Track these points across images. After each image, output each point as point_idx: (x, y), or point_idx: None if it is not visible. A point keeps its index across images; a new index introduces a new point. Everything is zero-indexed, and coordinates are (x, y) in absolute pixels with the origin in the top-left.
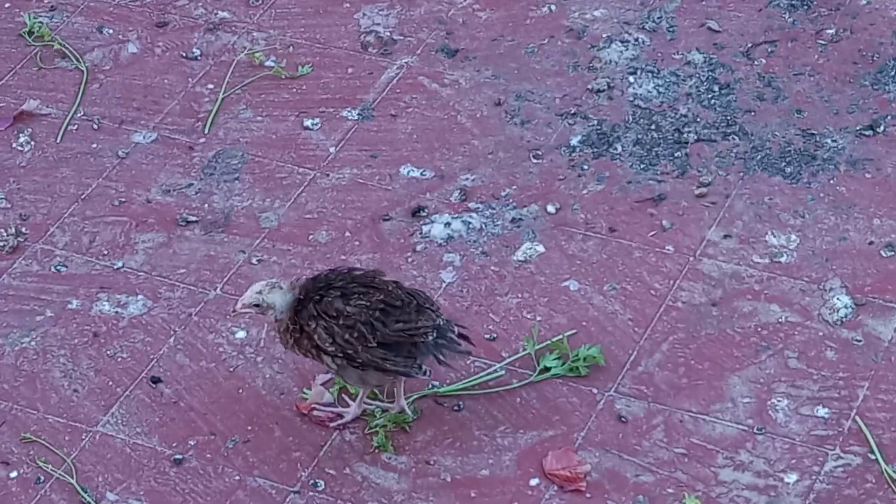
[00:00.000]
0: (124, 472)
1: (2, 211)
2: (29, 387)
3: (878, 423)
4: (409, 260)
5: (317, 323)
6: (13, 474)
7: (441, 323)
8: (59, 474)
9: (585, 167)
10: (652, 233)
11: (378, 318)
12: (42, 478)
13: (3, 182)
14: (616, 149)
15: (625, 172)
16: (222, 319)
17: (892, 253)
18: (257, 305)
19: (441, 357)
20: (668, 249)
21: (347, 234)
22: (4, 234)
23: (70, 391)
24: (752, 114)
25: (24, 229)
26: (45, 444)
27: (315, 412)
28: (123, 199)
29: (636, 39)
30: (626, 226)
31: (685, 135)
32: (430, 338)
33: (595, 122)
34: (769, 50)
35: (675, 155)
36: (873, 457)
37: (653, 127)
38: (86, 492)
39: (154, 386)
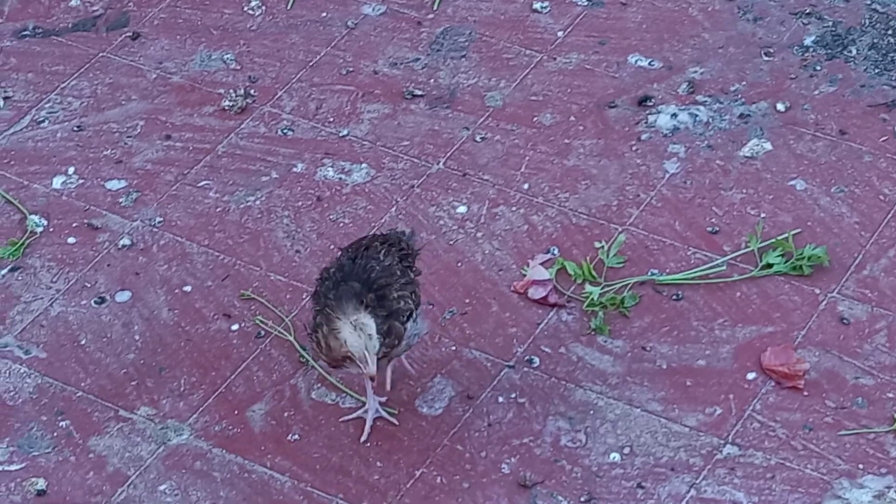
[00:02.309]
0: None
1: (231, 72)
2: (252, 244)
3: None
4: (633, 148)
5: (399, 294)
6: (234, 327)
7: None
8: (279, 331)
9: (818, 68)
10: (883, 138)
11: (403, 254)
12: (262, 333)
13: (233, 44)
14: (850, 51)
15: (858, 76)
16: (444, 193)
17: None
18: (382, 344)
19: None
20: None
21: (572, 118)
22: (233, 94)
23: (292, 251)
24: None
25: (252, 91)
26: (265, 303)
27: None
28: (351, 69)
29: None
30: (857, 129)
31: None
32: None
33: (830, 23)
34: None
35: None
36: None
37: (889, 32)
38: (304, 350)
39: None
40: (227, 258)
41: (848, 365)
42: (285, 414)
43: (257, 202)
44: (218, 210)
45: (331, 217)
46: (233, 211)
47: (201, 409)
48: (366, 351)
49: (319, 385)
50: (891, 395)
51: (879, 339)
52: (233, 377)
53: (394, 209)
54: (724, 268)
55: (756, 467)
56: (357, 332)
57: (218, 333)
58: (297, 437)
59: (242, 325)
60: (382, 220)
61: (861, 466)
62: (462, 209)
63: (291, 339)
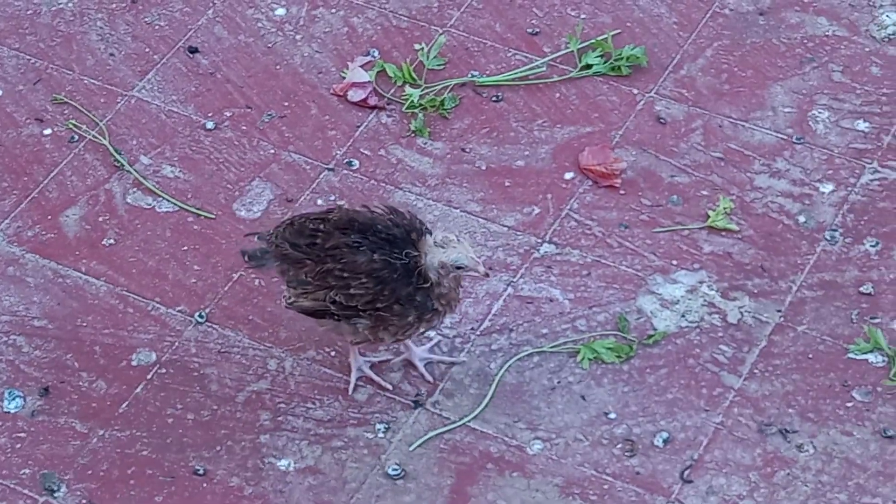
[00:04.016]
0: (159, 137)
1: None
2: (65, 47)
3: None
4: None
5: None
6: (47, 131)
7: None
8: (93, 136)
9: None
10: None
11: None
12: (76, 137)
13: None
14: None
15: None
16: None
17: None
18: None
19: None
20: None
21: None
22: None
23: (106, 55)
24: None
25: None
26: (78, 107)
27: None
28: None
29: None
30: None
31: None
32: None
33: None
34: None
35: None
36: None
37: None
38: (119, 154)
39: (191, 56)
40: (38, 62)
41: (664, 164)
42: (100, 219)
43: (70, 4)
44: (29, 13)
45: (146, 20)
46: (44, 13)
47: (13, 214)
48: (471, 254)
49: (135, 189)
50: (705, 192)
51: (695, 138)
52: (46, 182)
53: (210, 11)
54: (543, 69)
55: (572, 265)
56: (448, 247)
57: (30, 138)
58: (112, 241)
59: (55, 129)
60: (199, 23)
61: (675, 262)
62: (281, 11)
63: (106, 143)
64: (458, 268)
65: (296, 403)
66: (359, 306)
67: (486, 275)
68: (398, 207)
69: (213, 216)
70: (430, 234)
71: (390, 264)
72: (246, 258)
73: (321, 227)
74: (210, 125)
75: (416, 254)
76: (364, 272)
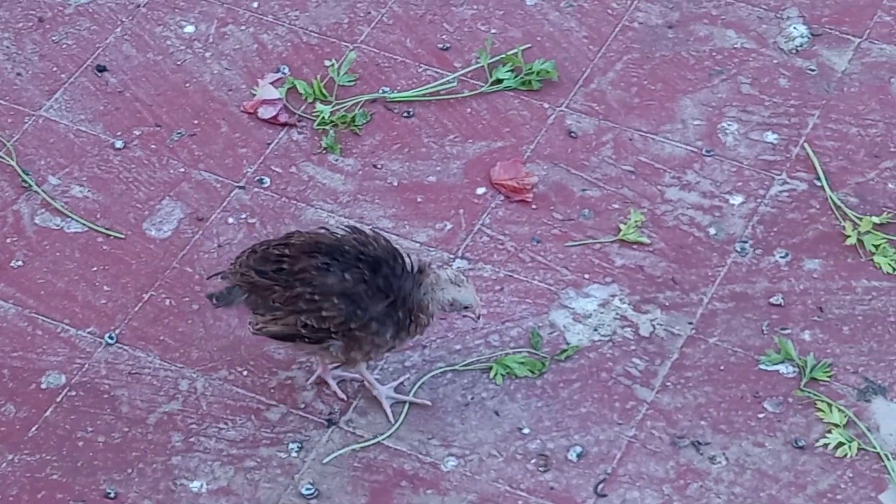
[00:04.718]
0: (67, 157)
1: None
2: None
3: (825, 151)
4: None
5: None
6: None
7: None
8: (0, 156)
9: None
10: None
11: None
12: None
13: None
14: None
15: None
16: (171, 12)
17: None
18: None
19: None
20: None
21: None
22: None
23: (13, 74)
24: None
25: None
26: None
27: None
28: None
29: None
30: None
31: None
32: None
33: None
34: None
35: None
36: (819, 183)
37: None
38: (27, 174)
39: (99, 74)
40: None
41: (575, 177)
42: (8, 240)
43: None
44: None
45: (53, 38)
46: None
47: None
48: (476, 296)
49: (43, 210)
50: (616, 205)
51: (606, 152)
52: None
53: (119, 30)
54: (454, 84)
55: (485, 280)
56: (462, 286)
57: None
58: (20, 263)
59: None
60: (107, 41)
61: (587, 276)
62: (190, 28)
63: (13, 163)
64: (465, 307)
65: (208, 424)
66: (331, 328)
67: (479, 317)
68: (358, 226)
69: (122, 236)
70: (428, 266)
71: (364, 282)
72: (214, 301)
73: (286, 251)
74: (119, 144)
75: (411, 277)
76: (336, 293)
